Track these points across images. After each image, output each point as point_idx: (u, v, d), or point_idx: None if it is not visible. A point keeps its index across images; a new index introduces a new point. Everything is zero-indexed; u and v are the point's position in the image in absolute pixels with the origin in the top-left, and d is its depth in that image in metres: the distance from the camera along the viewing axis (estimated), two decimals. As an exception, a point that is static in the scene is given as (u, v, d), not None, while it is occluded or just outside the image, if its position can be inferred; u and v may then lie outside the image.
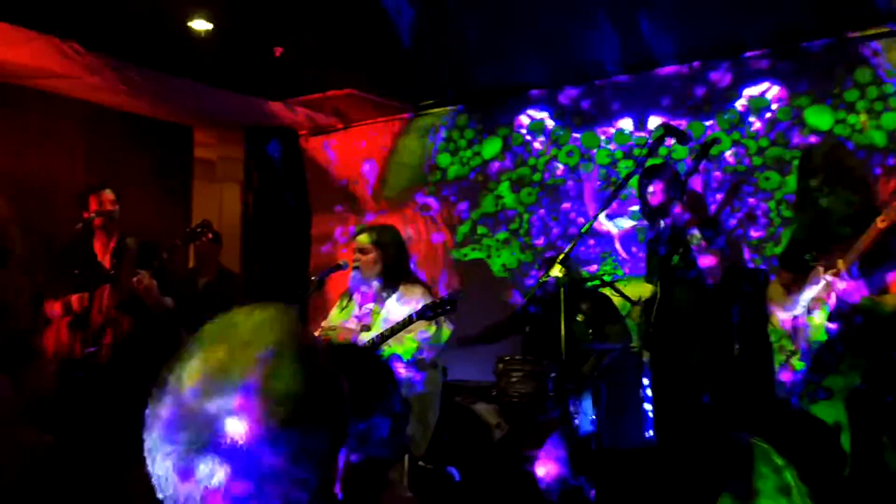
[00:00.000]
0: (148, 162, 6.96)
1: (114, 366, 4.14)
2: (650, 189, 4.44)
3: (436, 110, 7.08)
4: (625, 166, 6.11)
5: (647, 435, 5.33)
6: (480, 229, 6.81)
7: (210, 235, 4.64)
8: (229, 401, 0.87)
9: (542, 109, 6.61)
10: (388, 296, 3.96)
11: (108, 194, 4.61)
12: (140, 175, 6.72)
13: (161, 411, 0.90)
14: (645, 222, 4.89)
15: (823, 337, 3.32)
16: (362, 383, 1.67)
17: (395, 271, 3.98)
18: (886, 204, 3.24)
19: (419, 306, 3.73)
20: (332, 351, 1.04)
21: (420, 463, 3.93)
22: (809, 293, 3.44)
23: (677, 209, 4.26)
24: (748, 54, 5.68)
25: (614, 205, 5.58)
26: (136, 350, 4.27)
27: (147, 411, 0.92)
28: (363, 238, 4.02)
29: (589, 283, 5.41)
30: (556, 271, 3.40)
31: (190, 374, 0.90)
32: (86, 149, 6.49)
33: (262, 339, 0.92)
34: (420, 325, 3.75)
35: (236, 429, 0.86)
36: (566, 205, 6.42)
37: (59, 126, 6.32)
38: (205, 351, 0.92)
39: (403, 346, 3.78)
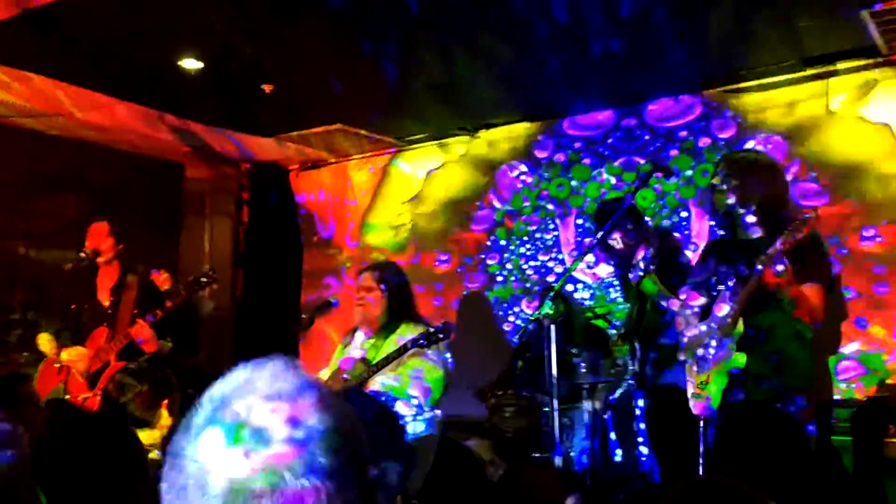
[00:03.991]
0: (138, 197, 6.95)
1: (106, 412, 4.09)
2: (613, 237, 4.43)
3: (427, 143, 7.11)
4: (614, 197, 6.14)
5: (641, 467, 5.31)
6: (473, 259, 6.82)
7: (217, 286, 4.56)
8: (260, 457, 0.84)
9: (532, 143, 6.66)
10: (390, 334, 3.94)
11: (101, 229, 4.55)
12: (130, 210, 6.71)
13: (183, 481, 0.86)
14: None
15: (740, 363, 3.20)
16: (374, 428, 1.66)
17: (398, 309, 3.96)
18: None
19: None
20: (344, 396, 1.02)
21: (414, 502, 3.89)
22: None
23: (643, 253, 4.25)
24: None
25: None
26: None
27: (164, 485, 0.89)
28: (366, 276, 4.00)
29: (583, 315, 5.43)
30: (547, 308, 3.41)
31: (211, 438, 0.87)
32: (77, 185, 6.48)
33: (280, 392, 0.89)
34: (416, 363, 3.74)
35: (271, 483, 0.83)
36: (554, 235, 6.46)
37: (50, 163, 6.32)
38: (222, 412, 0.88)
39: (400, 384, 3.76)
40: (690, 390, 3.34)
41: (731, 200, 3.34)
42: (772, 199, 3.36)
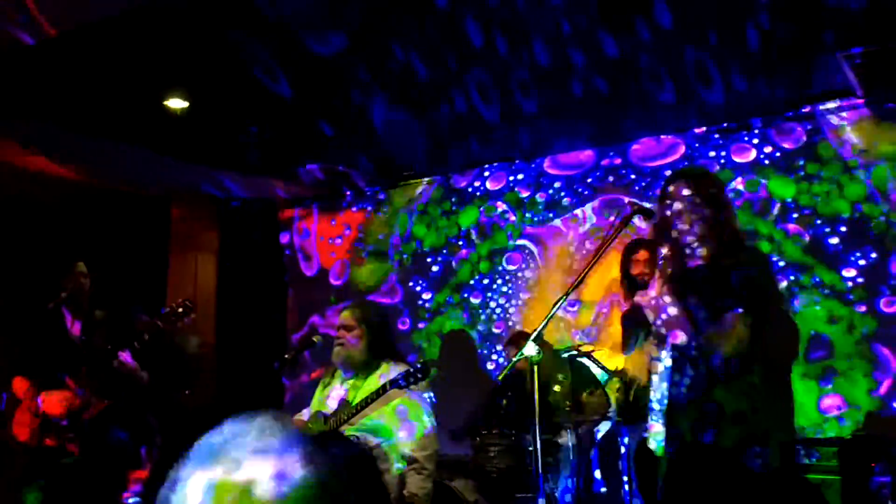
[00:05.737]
0: (124, 234, 6.94)
1: (85, 455, 4.06)
2: (634, 257, 4.40)
3: (411, 181, 7.16)
4: (596, 232, 6.19)
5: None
6: (456, 298, 6.83)
7: (193, 316, 4.57)
8: None
9: (514, 181, 6.72)
10: (371, 373, 3.91)
11: (80, 268, 4.58)
12: (116, 247, 6.70)
13: None
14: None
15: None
16: (351, 475, 1.64)
17: (379, 348, 3.92)
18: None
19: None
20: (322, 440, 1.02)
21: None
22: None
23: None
24: (711, 128, 5.85)
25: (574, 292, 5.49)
26: (107, 437, 4.19)
27: None
28: (346, 315, 3.96)
29: (566, 353, 5.41)
30: (530, 349, 3.39)
31: (197, 491, 0.87)
32: (62, 221, 6.47)
33: (268, 447, 0.90)
34: (400, 401, 3.72)
35: None
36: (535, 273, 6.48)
37: (33, 199, 6.31)
38: (209, 465, 0.89)
39: (384, 423, 3.73)
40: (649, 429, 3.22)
41: (687, 226, 3.07)
42: (727, 227, 3.13)
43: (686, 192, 3.09)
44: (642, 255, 4.34)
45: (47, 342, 4.49)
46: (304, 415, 4.09)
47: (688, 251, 3.10)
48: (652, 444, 3.10)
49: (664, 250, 3.14)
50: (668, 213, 3.11)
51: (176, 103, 5.29)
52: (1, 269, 5.74)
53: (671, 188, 3.14)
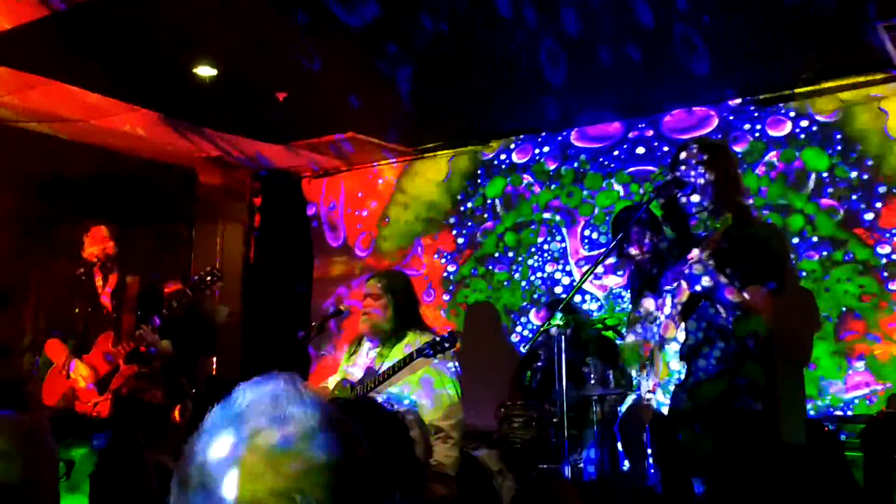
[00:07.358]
0: (151, 203, 6.98)
1: (115, 418, 4.11)
2: (630, 249, 4.37)
3: (439, 152, 7.12)
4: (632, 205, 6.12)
5: (650, 479, 5.27)
6: (481, 269, 6.82)
7: (221, 284, 4.59)
8: (270, 480, 0.84)
9: (541, 153, 6.66)
10: (397, 342, 3.92)
11: (102, 232, 4.61)
12: (143, 216, 6.74)
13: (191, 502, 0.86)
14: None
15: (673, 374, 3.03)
16: (382, 440, 1.63)
17: (405, 318, 3.94)
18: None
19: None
20: (348, 411, 1.00)
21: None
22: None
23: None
24: (745, 100, 5.74)
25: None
26: (139, 402, 4.25)
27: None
28: (373, 283, 3.98)
29: (593, 327, 5.40)
30: (557, 319, 3.38)
31: (219, 461, 0.86)
32: (88, 189, 6.51)
33: (286, 414, 0.89)
34: (425, 371, 3.73)
35: None
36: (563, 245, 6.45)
37: (61, 167, 6.35)
38: (227, 434, 0.87)
39: (409, 393, 3.75)
40: (643, 396, 3.21)
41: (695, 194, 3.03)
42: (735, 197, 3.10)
43: (696, 158, 3.05)
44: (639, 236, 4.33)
45: (78, 308, 4.54)
46: (330, 383, 4.12)
47: (693, 221, 3.08)
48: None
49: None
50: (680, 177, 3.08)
51: (205, 71, 5.28)
52: (33, 237, 5.80)
53: (682, 154, 3.11)
